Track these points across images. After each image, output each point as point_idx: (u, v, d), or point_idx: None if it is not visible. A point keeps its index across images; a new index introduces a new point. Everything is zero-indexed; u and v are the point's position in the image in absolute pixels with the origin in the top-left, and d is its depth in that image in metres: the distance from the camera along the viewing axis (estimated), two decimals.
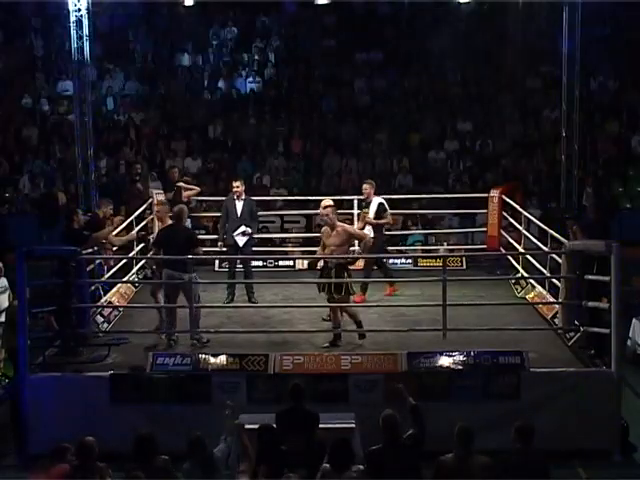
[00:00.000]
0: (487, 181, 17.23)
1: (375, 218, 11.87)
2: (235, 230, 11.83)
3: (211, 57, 21.35)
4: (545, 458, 6.50)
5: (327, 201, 10.99)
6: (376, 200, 12.03)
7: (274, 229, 16.33)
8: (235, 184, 12.10)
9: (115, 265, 11.70)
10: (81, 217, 11.03)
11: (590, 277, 9.42)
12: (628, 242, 9.59)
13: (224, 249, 12.06)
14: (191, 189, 13.53)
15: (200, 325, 10.03)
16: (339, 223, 10.10)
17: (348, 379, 8.89)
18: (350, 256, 10.36)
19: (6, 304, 10.76)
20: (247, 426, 7.95)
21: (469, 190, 16.78)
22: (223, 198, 12.56)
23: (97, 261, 11.12)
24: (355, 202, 13.49)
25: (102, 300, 11.25)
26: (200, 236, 12.23)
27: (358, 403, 8.70)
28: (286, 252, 14.99)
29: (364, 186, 12.30)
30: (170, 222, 10.53)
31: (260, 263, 13.33)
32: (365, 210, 12.04)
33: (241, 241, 11.85)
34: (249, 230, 11.90)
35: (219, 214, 12.49)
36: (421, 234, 15.55)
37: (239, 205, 11.98)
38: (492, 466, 6.32)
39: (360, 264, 11.69)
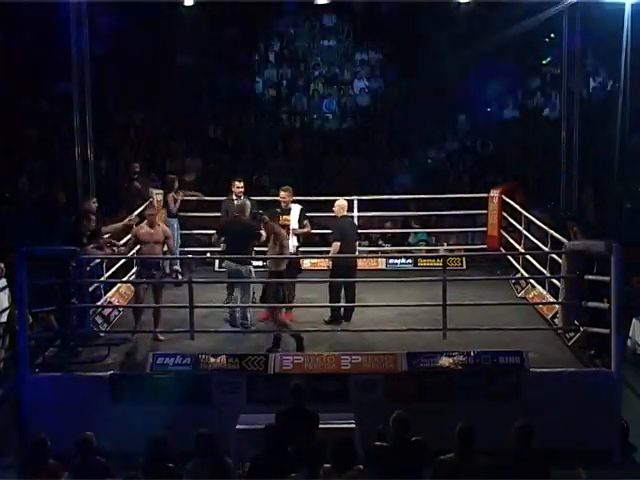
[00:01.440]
0: (487, 181, 17.21)
1: (298, 227, 11.13)
2: None
3: (211, 57, 21.33)
4: (545, 458, 6.50)
5: (341, 201, 11.00)
6: (296, 207, 11.29)
7: None
8: (239, 184, 12.09)
9: (113, 265, 11.68)
10: (92, 222, 11.12)
11: (590, 277, 9.44)
12: (628, 242, 9.57)
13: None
14: (178, 199, 13.33)
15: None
16: (279, 231, 10.01)
17: (348, 379, 8.91)
18: (298, 256, 10.21)
19: (6, 304, 10.75)
20: (247, 426, 7.96)
21: (469, 190, 16.76)
22: (223, 198, 12.55)
23: (96, 261, 11.12)
24: (355, 202, 13.43)
25: (102, 300, 11.25)
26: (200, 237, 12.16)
27: (358, 403, 8.71)
28: None
29: (282, 194, 11.29)
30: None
31: (260, 263, 13.30)
32: (285, 217, 11.03)
33: None
34: None
35: (219, 214, 12.45)
36: (425, 232, 15.50)
37: None
38: (492, 466, 6.32)
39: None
